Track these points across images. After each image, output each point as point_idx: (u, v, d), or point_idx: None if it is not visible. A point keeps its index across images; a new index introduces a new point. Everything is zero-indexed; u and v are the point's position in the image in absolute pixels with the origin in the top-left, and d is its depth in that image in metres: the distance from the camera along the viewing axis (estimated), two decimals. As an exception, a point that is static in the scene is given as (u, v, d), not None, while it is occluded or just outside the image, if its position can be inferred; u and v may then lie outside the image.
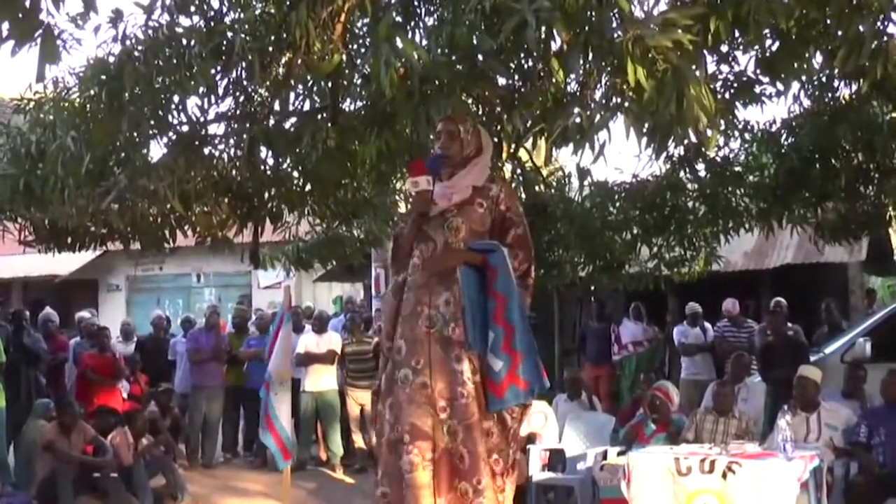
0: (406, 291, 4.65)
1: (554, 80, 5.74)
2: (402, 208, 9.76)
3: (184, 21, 6.11)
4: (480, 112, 6.57)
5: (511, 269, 4.50)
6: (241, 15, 6.09)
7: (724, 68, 6.16)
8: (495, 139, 6.73)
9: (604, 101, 4.91)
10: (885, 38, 4.92)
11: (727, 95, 6.19)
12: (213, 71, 6.19)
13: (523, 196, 9.80)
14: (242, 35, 5.85)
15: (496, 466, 4.50)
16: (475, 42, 5.16)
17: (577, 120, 4.69)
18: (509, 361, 4.43)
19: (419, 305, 4.58)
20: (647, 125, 4.57)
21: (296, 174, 8.03)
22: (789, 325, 11.11)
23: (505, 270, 4.48)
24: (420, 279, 4.62)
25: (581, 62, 4.53)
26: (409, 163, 4.69)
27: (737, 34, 5.07)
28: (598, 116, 4.70)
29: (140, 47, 5.98)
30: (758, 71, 5.97)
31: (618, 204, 9.74)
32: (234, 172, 7.67)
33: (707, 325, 12.84)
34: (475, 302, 4.52)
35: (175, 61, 5.88)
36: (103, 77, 6.07)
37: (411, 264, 4.68)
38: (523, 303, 4.56)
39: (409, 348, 4.56)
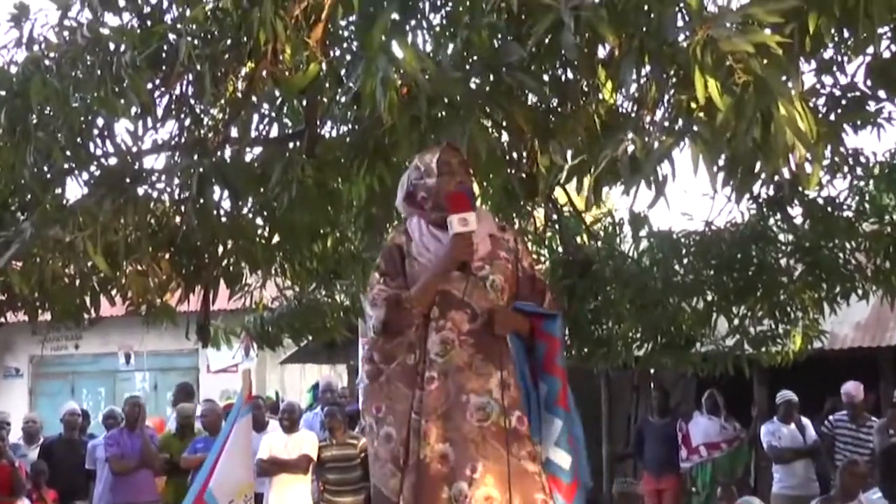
0: (434, 380, 4.65)
1: (600, 98, 5.78)
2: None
3: (111, 20, 6.18)
4: (505, 140, 6.61)
5: None
6: (188, 12, 6.14)
7: (828, 80, 6.19)
8: (524, 174, 6.77)
9: (665, 125, 4.94)
10: None
11: (832, 116, 6.21)
12: (149, 85, 6.24)
13: (560, 250, 9.81)
14: (189, 38, 5.90)
15: None
16: (498, 50, 5.21)
17: (631, 149, 4.70)
18: (573, 457, 4.65)
19: (463, 394, 4.60)
20: (723, 156, 4.59)
21: (260, 222, 8.05)
22: (919, 421, 11.06)
23: (564, 342, 4.77)
24: (458, 359, 4.65)
25: (635, 74, 4.57)
26: (452, 194, 4.73)
27: (844, 34, 5.10)
28: (657, 144, 4.72)
29: (52, 54, 6.03)
30: (871, 83, 6.00)
31: (686, 261, 9.71)
32: (177, 220, 7.69)
33: (806, 421, 12.77)
34: (528, 380, 4.72)
35: (99, 72, 5.92)
36: (2, 93, 6.12)
37: (438, 340, 4.70)
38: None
39: (461, 454, 4.55)
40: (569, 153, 6.10)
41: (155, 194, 7.41)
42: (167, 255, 8.18)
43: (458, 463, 4.54)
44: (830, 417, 12.51)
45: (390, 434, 4.70)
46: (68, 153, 6.45)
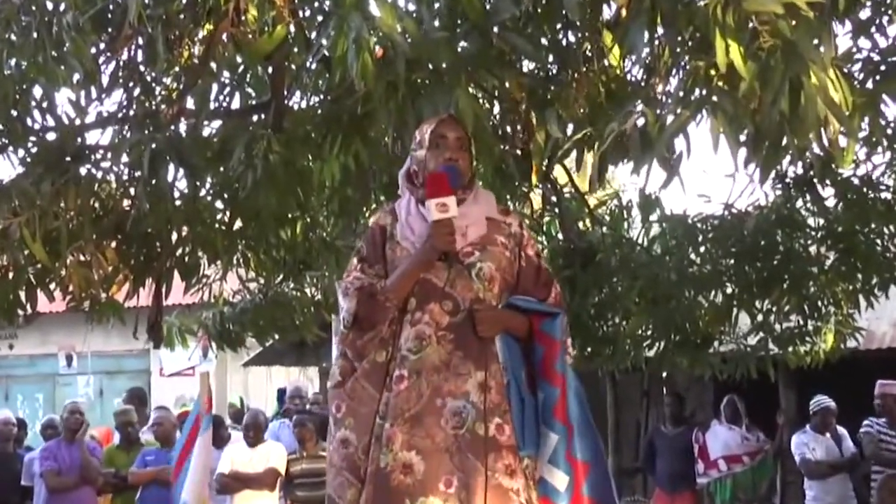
0: (404, 378, 4.63)
1: (606, 65, 5.77)
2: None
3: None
4: (497, 111, 6.60)
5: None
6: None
7: (865, 43, 6.20)
8: (519, 150, 6.77)
9: (680, 95, 4.94)
10: None
11: (869, 84, 6.22)
12: (94, 50, 6.22)
13: (560, 236, 9.81)
14: (139, -4, 5.89)
15: None
16: (489, 8, 5.20)
17: (641, 122, 4.70)
18: (572, 475, 4.60)
19: (438, 397, 4.59)
20: (746, 130, 4.59)
21: (219, 205, 8.04)
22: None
23: (565, 344, 4.72)
24: (434, 356, 4.64)
25: (646, 37, 4.56)
26: (429, 176, 4.73)
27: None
28: (671, 117, 4.72)
29: (-18, 15, 6.02)
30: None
31: (703, 249, 9.73)
32: (125, 203, 7.68)
33: (842, 430, 12.76)
34: (523, 386, 4.69)
35: (37, 35, 5.91)
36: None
37: (413, 335, 4.68)
38: (579, 388, 4.75)
39: (432, 465, 4.52)
40: (569, 127, 6.09)
41: (100, 174, 7.40)
42: (114, 244, 8.15)
43: (427, 475, 4.51)
44: (867, 423, 12.47)
45: (347, 439, 4.70)
46: (1, 127, 6.43)
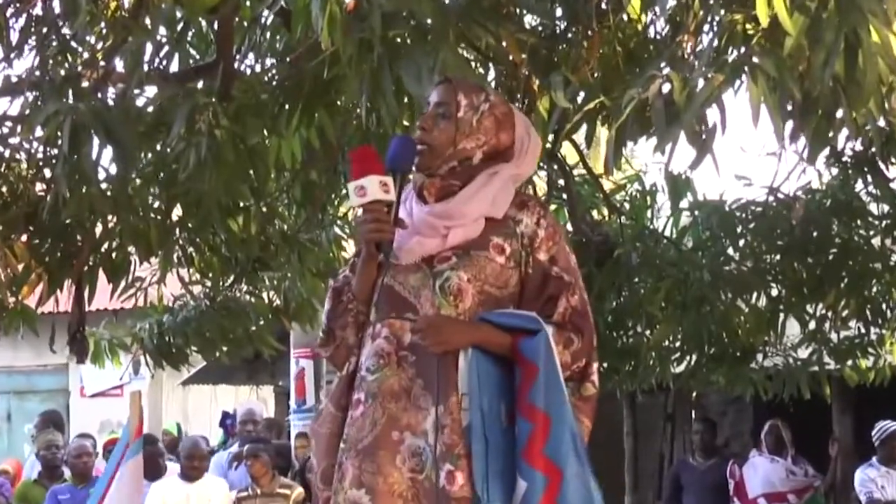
0: (360, 403, 4.62)
1: (624, 19, 5.79)
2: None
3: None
4: (493, 76, 6.61)
5: (559, 368, 4.49)
6: None
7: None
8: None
9: (714, 56, 4.96)
10: None
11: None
12: (0, 1, 6.23)
13: (569, 227, 9.82)
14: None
15: None
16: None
17: (667, 88, 4.72)
18: None
19: (395, 430, 4.52)
20: (792, 99, 4.61)
21: (155, 190, 8.04)
22: None
23: (551, 368, 4.46)
24: (393, 380, 4.58)
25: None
26: (350, 153, 4.69)
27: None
28: (702, 82, 4.74)
29: None
30: None
31: (743, 242, 9.74)
32: (39, 188, 7.67)
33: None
34: (493, 420, 4.50)
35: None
36: None
37: (373, 351, 4.64)
38: (579, 429, 4.54)
39: None
40: (579, 94, 6.10)
41: (8, 152, 7.40)
42: (25, 237, 8.15)
43: None
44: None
45: (312, 463, 4.81)
46: None
